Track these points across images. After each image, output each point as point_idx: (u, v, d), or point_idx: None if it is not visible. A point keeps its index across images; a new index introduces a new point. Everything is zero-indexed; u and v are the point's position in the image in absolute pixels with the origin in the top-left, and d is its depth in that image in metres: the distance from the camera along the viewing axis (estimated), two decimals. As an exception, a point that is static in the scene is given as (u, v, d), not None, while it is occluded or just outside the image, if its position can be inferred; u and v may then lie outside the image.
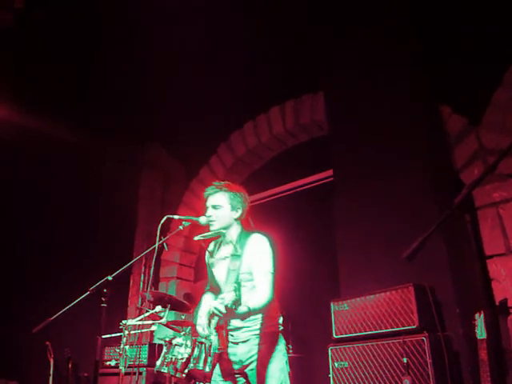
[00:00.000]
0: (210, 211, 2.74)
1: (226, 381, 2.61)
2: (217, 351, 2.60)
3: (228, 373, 2.62)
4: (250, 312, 2.39)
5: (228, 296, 2.21)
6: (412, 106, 4.16)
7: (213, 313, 2.30)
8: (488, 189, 3.93)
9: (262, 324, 2.60)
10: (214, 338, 2.60)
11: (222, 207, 2.73)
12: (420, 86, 4.26)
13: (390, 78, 4.28)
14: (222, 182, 2.83)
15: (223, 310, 2.22)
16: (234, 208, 2.74)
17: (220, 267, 2.76)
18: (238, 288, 2.21)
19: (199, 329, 2.62)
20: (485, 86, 4.08)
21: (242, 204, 2.76)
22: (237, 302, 2.20)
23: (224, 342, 2.59)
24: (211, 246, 2.91)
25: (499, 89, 4.02)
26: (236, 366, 2.60)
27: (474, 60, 4.13)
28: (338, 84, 4.79)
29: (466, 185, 4.10)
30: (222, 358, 2.63)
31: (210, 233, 2.75)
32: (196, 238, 2.79)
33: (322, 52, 5.01)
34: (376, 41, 4.47)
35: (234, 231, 2.75)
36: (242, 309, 2.31)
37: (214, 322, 2.58)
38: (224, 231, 2.74)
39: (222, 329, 2.56)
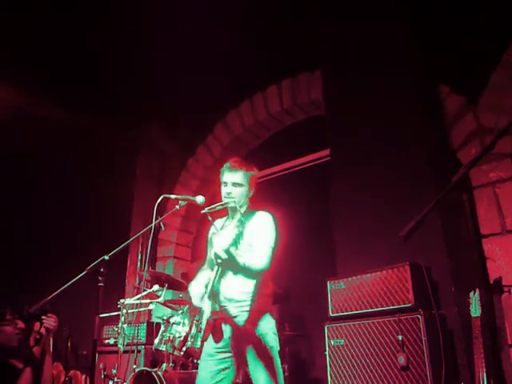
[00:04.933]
0: (229, 188, 2.74)
1: (220, 353, 2.61)
2: (209, 319, 2.57)
3: (222, 343, 2.61)
4: (245, 268, 2.44)
5: (226, 240, 2.29)
6: (411, 86, 4.12)
7: (215, 256, 2.36)
8: (485, 168, 3.93)
9: (253, 301, 2.61)
10: (208, 305, 2.56)
11: (242, 186, 2.75)
12: (419, 66, 4.22)
13: (389, 58, 4.24)
14: (243, 161, 2.85)
15: (223, 255, 2.29)
16: (250, 188, 2.79)
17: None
18: (238, 237, 2.32)
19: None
20: (483, 66, 4.04)
21: (254, 184, 2.82)
22: (235, 243, 2.30)
23: (217, 309, 2.58)
24: (218, 222, 2.92)
25: (498, 68, 3.99)
26: (225, 343, 2.61)
27: (474, 39, 4.08)
28: (336, 63, 4.73)
29: (463, 164, 4.09)
30: (215, 328, 2.60)
31: (217, 204, 2.74)
32: (204, 211, 2.78)
33: (320, 30, 4.94)
34: (375, 20, 4.41)
35: (243, 209, 2.76)
36: (239, 258, 2.37)
37: (208, 288, 2.58)
38: (237, 208, 2.74)
39: (216, 296, 2.57)
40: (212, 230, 2.91)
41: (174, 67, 5.93)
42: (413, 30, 4.28)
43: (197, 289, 2.68)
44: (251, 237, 2.61)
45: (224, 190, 2.76)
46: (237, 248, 2.36)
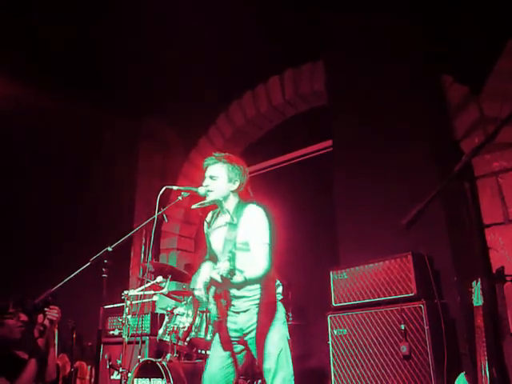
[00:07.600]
0: (207, 181, 2.74)
1: (225, 350, 2.65)
2: (216, 320, 2.64)
3: (227, 341, 2.66)
4: (247, 282, 2.40)
5: (223, 266, 2.21)
6: (413, 76, 4.10)
7: (211, 281, 2.33)
8: (488, 158, 3.92)
9: (261, 294, 2.62)
10: (213, 307, 2.63)
11: (219, 178, 2.71)
12: (421, 55, 4.20)
13: (391, 48, 4.22)
14: (222, 154, 2.80)
15: (219, 279, 2.23)
16: (231, 180, 2.73)
17: (217, 236, 2.77)
18: (232, 258, 2.21)
19: (197, 293, 2.65)
20: (487, 55, 4.02)
21: (239, 177, 2.74)
22: (231, 271, 2.20)
23: (222, 311, 2.62)
24: (209, 216, 2.93)
25: (502, 57, 3.96)
26: (236, 334, 2.65)
27: (476, 29, 4.06)
28: (338, 53, 4.71)
29: (466, 153, 4.08)
30: (221, 327, 2.67)
31: (206, 201, 2.75)
32: (193, 207, 2.79)
33: (322, 21, 4.91)
34: (376, 10, 4.39)
35: (231, 202, 2.74)
36: (237, 278, 2.31)
37: (211, 290, 2.61)
38: (221, 200, 2.74)
39: (221, 298, 2.59)
40: (206, 225, 2.92)
41: (176, 58, 5.91)
42: (415, 20, 4.25)
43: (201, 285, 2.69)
44: (245, 235, 2.58)
45: (203, 184, 2.74)
46: (234, 272, 2.24)
